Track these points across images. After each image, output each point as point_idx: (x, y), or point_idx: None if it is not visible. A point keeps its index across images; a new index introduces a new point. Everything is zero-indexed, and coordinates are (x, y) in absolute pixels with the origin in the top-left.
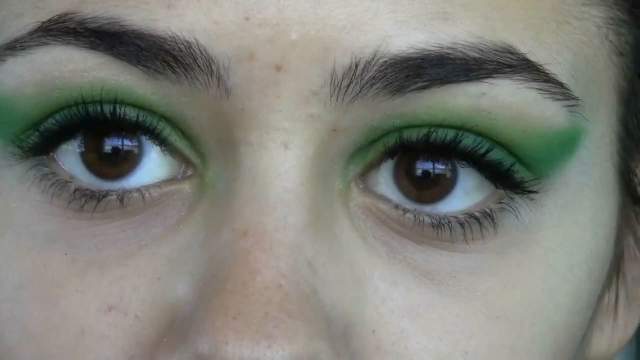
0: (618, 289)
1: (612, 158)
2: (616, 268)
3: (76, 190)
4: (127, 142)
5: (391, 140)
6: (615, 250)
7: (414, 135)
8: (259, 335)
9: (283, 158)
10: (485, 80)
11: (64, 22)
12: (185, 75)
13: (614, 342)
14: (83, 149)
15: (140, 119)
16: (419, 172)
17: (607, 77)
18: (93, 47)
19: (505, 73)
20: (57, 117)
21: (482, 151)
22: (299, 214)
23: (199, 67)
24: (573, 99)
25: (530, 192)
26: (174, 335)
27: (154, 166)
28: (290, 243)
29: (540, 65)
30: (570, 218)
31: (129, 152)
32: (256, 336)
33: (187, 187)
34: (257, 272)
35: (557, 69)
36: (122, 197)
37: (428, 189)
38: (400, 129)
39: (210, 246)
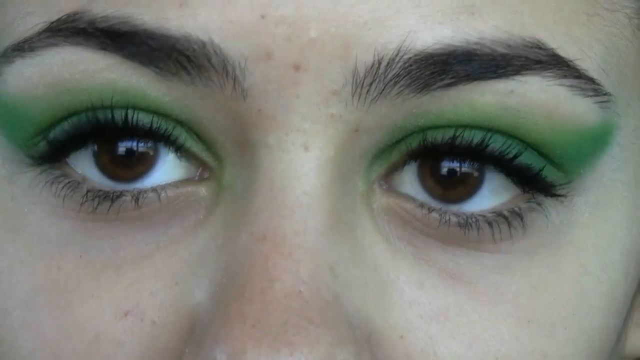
0: None
1: None
2: None
3: (88, 191)
4: (141, 144)
5: (414, 142)
6: None
7: (438, 137)
8: (278, 343)
9: (302, 160)
10: (514, 77)
11: (72, 21)
12: (199, 76)
13: None
14: (95, 151)
15: (155, 125)
16: (444, 171)
17: (639, 69)
18: (103, 47)
19: (534, 69)
20: (66, 125)
21: (511, 155)
22: (319, 217)
23: (213, 67)
24: (604, 94)
25: (559, 195)
26: (194, 343)
27: (169, 168)
28: (310, 247)
29: (571, 61)
30: (603, 216)
31: (144, 154)
32: (275, 344)
33: (203, 190)
34: (276, 279)
35: (588, 64)
36: (137, 197)
37: (454, 188)
38: (424, 130)
39: (228, 250)
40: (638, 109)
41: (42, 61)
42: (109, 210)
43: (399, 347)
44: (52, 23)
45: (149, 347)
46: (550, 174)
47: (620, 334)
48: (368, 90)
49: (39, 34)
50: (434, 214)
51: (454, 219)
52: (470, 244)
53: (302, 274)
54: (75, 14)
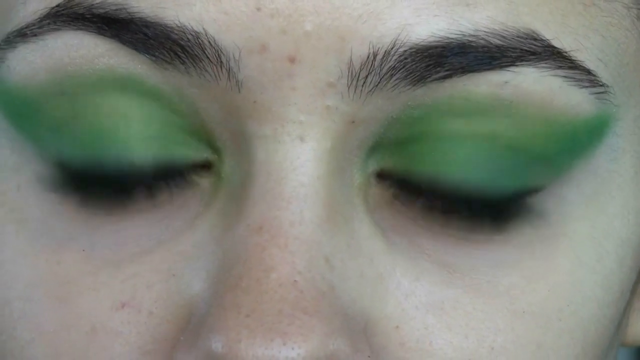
0: None
1: None
2: None
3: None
4: None
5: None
6: None
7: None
8: (272, 332)
9: (298, 151)
10: (508, 68)
11: (72, 7)
12: (194, 66)
13: None
14: None
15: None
16: None
17: (639, 59)
18: (101, 33)
19: (529, 60)
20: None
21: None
22: (316, 208)
23: (208, 58)
24: (601, 85)
25: (552, 186)
26: (190, 333)
27: None
28: (306, 238)
29: (566, 52)
30: (598, 207)
31: None
32: (269, 334)
33: (205, 182)
34: (271, 269)
35: (584, 55)
36: (150, 187)
37: None
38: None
39: (225, 241)
40: (639, 101)
41: (44, 46)
42: (119, 202)
43: (394, 337)
44: (53, 8)
45: (147, 337)
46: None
47: (621, 322)
48: (364, 83)
49: (41, 19)
50: (421, 200)
51: (437, 204)
52: (465, 235)
53: (297, 264)
54: None
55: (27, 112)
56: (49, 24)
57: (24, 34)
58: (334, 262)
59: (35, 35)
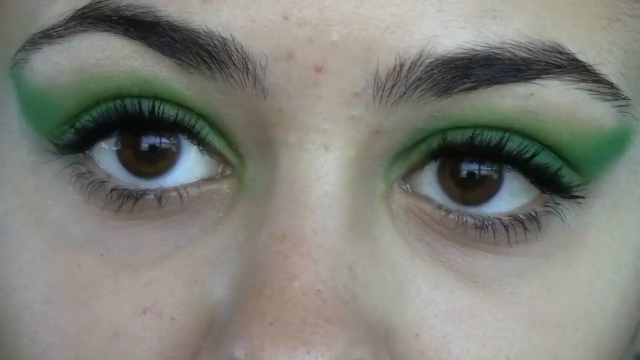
0: None
1: None
2: None
3: (113, 189)
4: (164, 140)
5: (434, 142)
6: None
7: (458, 137)
8: (296, 341)
9: (323, 160)
10: (534, 81)
11: (98, 9)
12: (220, 71)
13: None
14: (120, 147)
15: (179, 118)
16: (464, 173)
17: None
18: (127, 35)
19: (554, 73)
20: (94, 113)
21: (528, 155)
22: (339, 217)
23: (234, 64)
24: (623, 98)
25: (577, 197)
26: (212, 340)
27: (192, 164)
28: (330, 247)
29: (590, 65)
30: (618, 219)
31: (167, 150)
32: (293, 342)
33: (225, 187)
34: (294, 277)
35: (607, 69)
36: (160, 196)
37: (472, 190)
38: (444, 131)
39: (248, 248)
40: None
41: (70, 47)
42: (132, 209)
43: (414, 346)
44: (79, 10)
45: (169, 343)
46: (568, 174)
47: (636, 332)
48: (389, 94)
49: (67, 21)
50: (452, 216)
51: (470, 221)
52: (487, 246)
53: (320, 273)
54: (100, 1)
55: (48, 113)
56: (75, 25)
57: (49, 35)
58: (356, 270)
59: (61, 36)
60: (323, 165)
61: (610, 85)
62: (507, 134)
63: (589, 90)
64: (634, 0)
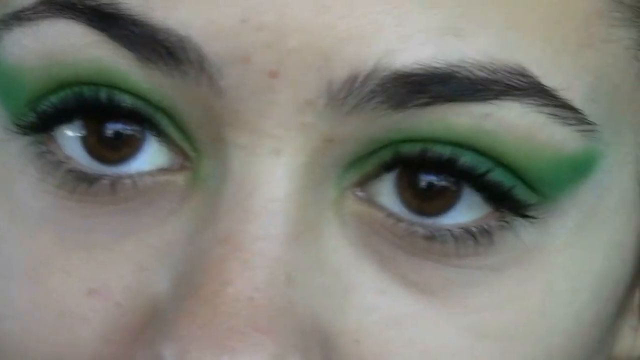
0: None
1: (637, 175)
2: None
3: (70, 170)
4: (127, 127)
5: (387, 154)
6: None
7: (410, 150)
8: (221, 348)
9: (273, 165)
10: (492, 101)
11: None
12: (177, 68)
13: (638, 344)
14: (84, 133)
15: (137, 106)
16: (423, 183)
17: (633, 97)
18: (90, 24)
19: (513, 95)
20: (53, 98)
21: (481, 171)
22: (283, 224)
23: (191, 63)
24: (588, 123)
25: (529, 216)
26: (150, 332)
27: (154, 153)
28: (269, 255)
29: (554, 90)
30: (580, 241)
31: (131, 137)
32: (218, 349)
33: (180, 179)
34: (229, 283)
35: (573, 94)
36: (115, 182)
37: (430, 202)
38: (396, 143)
39: (193, 246)
40: (630, 136)
41: (37, 31)
42: (86, 191)
43: (353, 352)
44: None
45: (111, 327)
46: (522, 193)
47: (605, 344)
48: (343, 104)
49: (36, 5)
50: (402, 224)
51: (420, 231)
52: (436, 256)
53: (256, 280)
54: None
55: (15, 93)
56: (43, 10)
57: (19, 17)
58: (296, 278)
59: (30, 19)
60: (273, 171)
61: (575, 110)
62: (459, 150)
63: (550, 114)
64: (610, 26)
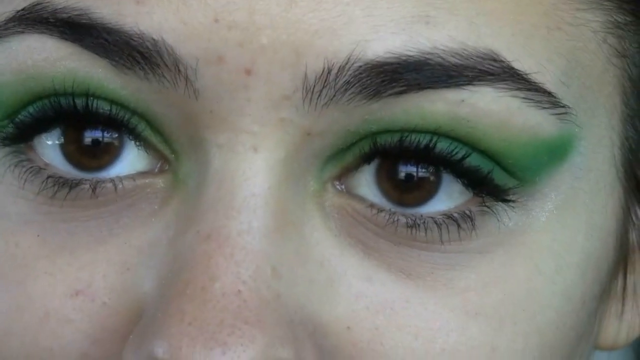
0: (626, 280)
1: (614, 159)
2: (623, 260)
3: (49, 177)
4: (106, 135)
5: (366, 146)
6: (620, 245)
7: (387, 140)
8: (213, 342)
9: (251, 161)
10: (465, 87)
11: (36, 11)
12: (152, 72)
13: (622, 332)
14: (62, 141)
15: (113, 113)
16: (402, 174)
17: (605, 80)
18: (64, 37)
19: (487, 80)
20: (30, 109)
21: (459, 157)
22: (265, 218)
23: (166, 65)
24: (562, 106)
25: (510, 200)
26: (138, 332)
27: (132, 159)
28: (253, 248)
29: (526, 74)
30: (560, 222)
31: (109, 144)
32: (209, 343)
33: (160, 182)
34: (216, 278)
35: (546, 77)
36: (95, 186)
37: (410, 192)
38: (374, 134)
39: (177, 245)
40: (604, 119)
41: (9, 47)
42: (66, 196)
43: (346, 338)
44: (18, 12)
45: (98, 326)
46: (500, 177)
47: (587, 330)
48: (319, 97)
49: (6, 22)
50: (383, 214)
51: (402, 220)
52: (420, 243)
53: (242, 274)
54: (39, 3)
55: None
56: (14, 26)
57: None
58: (281, 270)
59: (1, 37)
60: (251, 167)
61: (548, 93)
62: (436, 136)
63: (524, 98)
64: (576, 9)
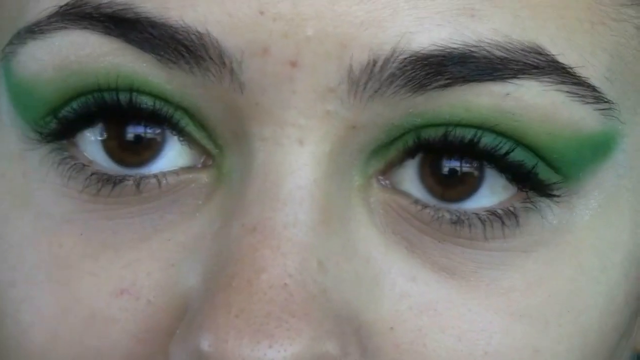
0: None
1: None
2: None
3: (93, 173)
4: (149, 130)
5: (410, 140)
6: None
7: (432, 134)
8: (260, 334)
9: (297, 154)
10: (510, 81)
11: (80, 6)
12: (197, 66)
13: None
14: (105, 137)
15: (157, 107)
16: (445, 170)
17: None
18: (107, 32)
19: (531, 74)
20: (74, 104)
21: (503, 151)
22: (310, 211)
23: (211, 59)
24: (605, 102)
25: (554, 195)
26: (184, 327)
27: (175, 154)
28: (299, 241)
29: (570, 68)
30: (604, 220)
31: (151, 140)
32: (257, 335)
33: (204, 177)
34: (262, 270)
35: (590, 72)
36: (139, 182)
37: (453, 188)
38: (419, 128)
39: (221, 238)
40: None
41: (52, 43)
42: (110, 193)
43: (389, 339)
44: (61, 7)
45: (144, 325)
46: (544, 172)
47: (627, 330)
48: (364, 89)
49: (49, 17)
50: (428, 210)
51: (447, 216)
52: (464, 241)
53: (288, 266)
54: None
55: (33, 104)
56: (56, 22)
57: (32, 31)
58: (327, 264)
59: (43, 32)
60: (297, 159)
61: (592, 88)
62: (480, 131)
63: (569, 92)
64: (620, 5)
